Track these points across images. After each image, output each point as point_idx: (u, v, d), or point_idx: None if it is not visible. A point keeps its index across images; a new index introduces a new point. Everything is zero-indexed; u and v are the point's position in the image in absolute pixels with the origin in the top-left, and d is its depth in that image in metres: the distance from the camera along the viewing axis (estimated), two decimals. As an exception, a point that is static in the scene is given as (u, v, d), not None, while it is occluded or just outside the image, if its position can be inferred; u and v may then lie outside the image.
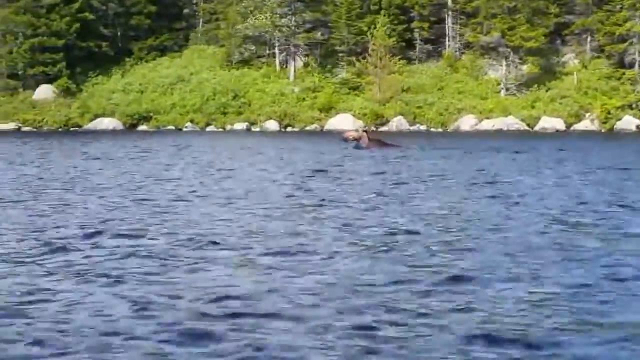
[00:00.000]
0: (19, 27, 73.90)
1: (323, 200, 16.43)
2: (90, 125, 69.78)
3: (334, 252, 10.43)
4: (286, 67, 74.39)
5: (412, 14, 73.70)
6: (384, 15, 70.14)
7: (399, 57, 70.48)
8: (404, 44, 72.35)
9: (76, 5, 74.91)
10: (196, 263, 9.76)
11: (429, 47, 74.22)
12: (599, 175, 23.36)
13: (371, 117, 65.94)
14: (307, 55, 75.20)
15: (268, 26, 74.12)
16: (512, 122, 64.23)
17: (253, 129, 66.96)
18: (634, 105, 64.04)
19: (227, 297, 7.98)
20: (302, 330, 6.98)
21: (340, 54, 72.90)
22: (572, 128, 63.67)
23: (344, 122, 63.91)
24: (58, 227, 12.77)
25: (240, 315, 7.38)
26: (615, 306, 7.75)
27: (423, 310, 7.53)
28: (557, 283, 8.68)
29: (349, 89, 70.42)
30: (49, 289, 8.41)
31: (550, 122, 63.80)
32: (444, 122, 65.98)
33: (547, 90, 67.30)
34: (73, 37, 74.49)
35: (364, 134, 37.35)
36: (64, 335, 6.84)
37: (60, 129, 68.37)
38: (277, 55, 75.00)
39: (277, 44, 74.70)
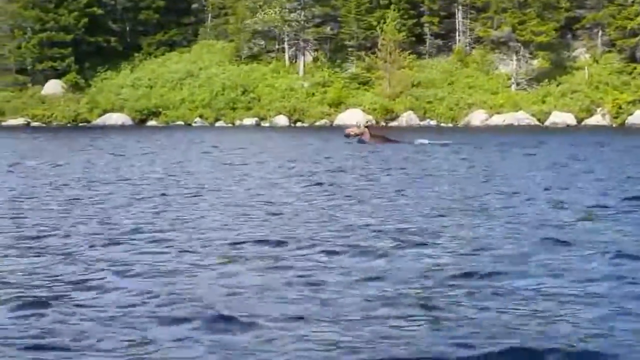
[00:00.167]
0: (28, 22, 73.82)
1: (349, 195, 16.66)
2: (99, 121, 69.65)
3: (368, 247, 10.47)
4: (295, 62, 74.14)
5: (422, 9, 73.40)
6: (394, 10, 69.81)
7: (409, 51, 70.12)
8: (414, 38, 71.97)
9: (84, 0, 74.77)
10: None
11: (439, 41, 73.91)
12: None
13: (381, 112, 65.73)
14: (316, 50, 74.94)
15: (277, 21, 73.87)
16: (522, 117, 63.91)
17: (262, 125, 66.74)
18: (645, 100, 63.68)
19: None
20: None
21: (350, 49, 72.63)
22: (583, 123, 63.25)
23: (353, 117, 63.52)
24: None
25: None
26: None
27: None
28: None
29: (359, 84, 70.17)
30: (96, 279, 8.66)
31: (561, 117, 63.44)
32: (454, 117, 65.69)
33: (557, 85, 66.94)
34: (81, 32, 74.37)
35: (366, 129, 37.41)
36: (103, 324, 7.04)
37: (69, 125, 68.33)
38: (286, 50, 74.77)
39: (286, 39, 74.46)
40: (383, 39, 68.59)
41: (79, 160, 28.11)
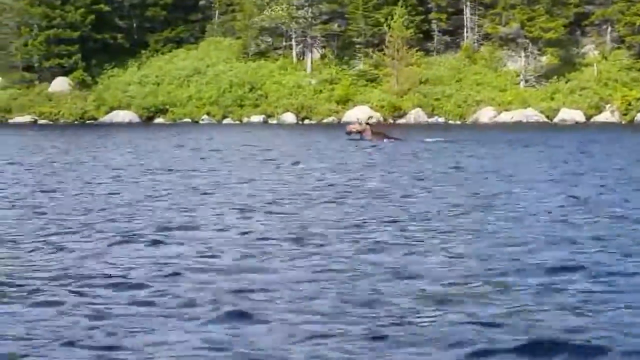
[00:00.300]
0: (34, 19, 73.67)
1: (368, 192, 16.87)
2: (106, 118, 69.56)
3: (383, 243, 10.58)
4: (303, 59, 73.94)
5: (429, 5, 73.15)
6: (402, 7, 69.45)
7: (417, 48, 69.88)
8: (421, 35, 71.65)
9: (91, -4, 74.71)
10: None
11: (447, 38, 73.61)
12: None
13: (389, 109, 65.53)
14: (324, 47, 74.74)
15: (284, 18, 73.66)
16: (531, 114, 63.68)
17: (270, 122, 66.59)
18: (655, 97, 63.35)
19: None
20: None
21: (358, 46, 72.40)
22: (591, 120, 63.03)
23: (361, 114, 63.31)
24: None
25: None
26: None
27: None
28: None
29: (367, 81, 69.95)
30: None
31: (570, 114, 63.19)
32: (462, 114, 65.46)
33: (566, 82, 66.67)
34: (88, 28, 74.17)
35: (367, 126, 37.36)
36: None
37: (76, 122, 68.30)
38: (293, 47, 74.56)
39: (293, 36, 74.25)
40: (391, 35, 68.34)
41: (105, 157, 28.43)
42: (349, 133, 37.47)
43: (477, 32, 72.87)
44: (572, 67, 68.51)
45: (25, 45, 73.53)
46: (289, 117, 66.73)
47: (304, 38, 74.08)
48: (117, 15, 78.35)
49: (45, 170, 23.17)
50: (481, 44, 72.88)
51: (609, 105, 64.05)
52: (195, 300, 7.72)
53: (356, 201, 15.40)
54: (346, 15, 73.22)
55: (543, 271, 8.80)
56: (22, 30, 74.07)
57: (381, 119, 63.81)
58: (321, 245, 10.54)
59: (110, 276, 8.72)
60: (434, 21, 72.96)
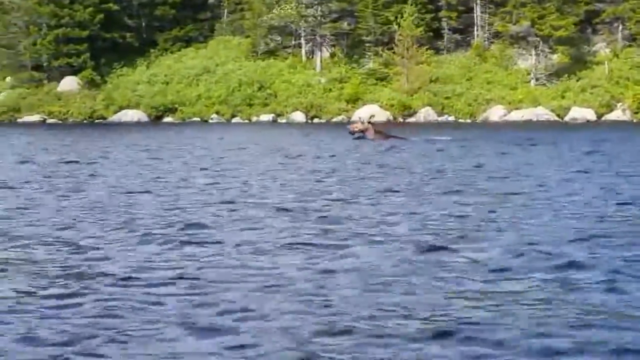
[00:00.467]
0: (43, 18, 73.54)
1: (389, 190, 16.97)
2: (115, 117, 69.51)
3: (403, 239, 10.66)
4: (312, 57, 73.75)
5: (440, 3, 72.88)
6: (412, 5, 69.24)
7: (427, 47, 69.60)
8: (431, 33, 71.42)
9: (99, -5, 74.61)
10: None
11: (457, 36, 73.35)
12: None
13: (399, 108, 65.34)
14: (333, 46, 74.56)
15: (294, 16, 73.48)
16: (541, 113, 63.43)
17: (279, 121, 66.44)
18: (666, 95, 63.04)
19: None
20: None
21: (367, 44, 72.18)
22: (603, 118, 62.74)
23: (371, 113, 63.08)
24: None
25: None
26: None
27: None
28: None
29: (376, 79, 69.74)
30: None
31: (581, 113, 62.95)
32: (472, 113, 65.25)
33: (577, 80, 66.41)
34: (97, 27, 74.06)
35: (370, 126, 37.18)
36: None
37: (85, 121, 68.30)
38: (303, 45, 74.40)
39: (303, 35, 74.08)
40: (400, 34, 68.13)
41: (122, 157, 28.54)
42: (352, 132, 37.31)
43: (488, 30, 72.57)
44: (583, 65, 68.20)
45: (34, 44, 73.45)
46: (299, 116, 66.57)
47: (313, 36, 73.90)
48: (126, 14, 78.26)
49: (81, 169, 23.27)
50: (491, 42, 72.60)
51: (620, 103, 63.78)
52: (208, 301, 7.69)
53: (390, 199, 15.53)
54: (356, 14, 73.01)
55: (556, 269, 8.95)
56: (31, 30, 73.94)
57: (391, 117, 63.65)
58: (349, 244, 10.51)
59: (128, 278, 8.68)
60: (444, 19, 72.70)
